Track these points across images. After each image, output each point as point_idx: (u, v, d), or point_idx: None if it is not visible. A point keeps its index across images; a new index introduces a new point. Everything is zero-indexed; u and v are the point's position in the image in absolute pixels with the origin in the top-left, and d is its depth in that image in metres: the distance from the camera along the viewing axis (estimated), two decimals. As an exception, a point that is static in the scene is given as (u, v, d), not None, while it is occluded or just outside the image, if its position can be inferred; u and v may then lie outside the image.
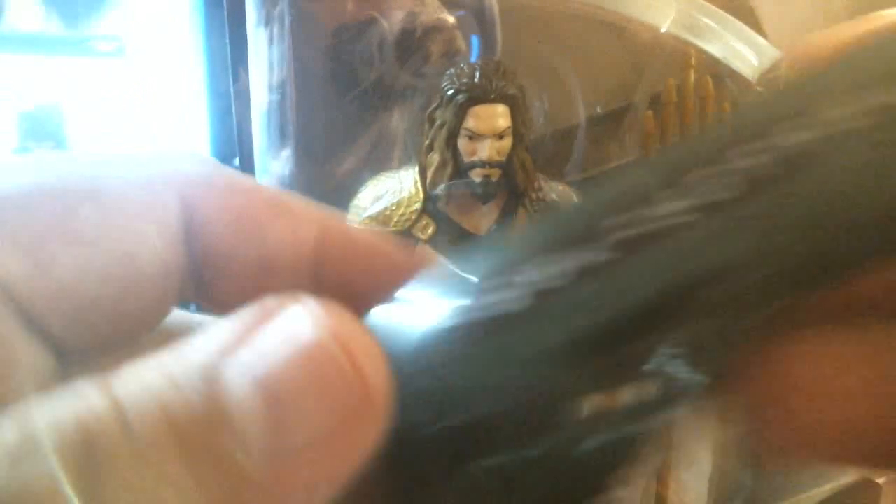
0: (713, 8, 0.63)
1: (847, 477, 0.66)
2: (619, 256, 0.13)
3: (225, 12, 0.57)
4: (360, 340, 0.12)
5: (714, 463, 0.64)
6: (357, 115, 0.62)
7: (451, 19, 0.62)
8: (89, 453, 0.11)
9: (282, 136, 0.59)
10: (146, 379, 0.11)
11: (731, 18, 0.63)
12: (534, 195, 0.56)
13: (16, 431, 0.11)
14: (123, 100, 0.57)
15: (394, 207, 0.57)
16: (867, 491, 0.64)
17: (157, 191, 0.15)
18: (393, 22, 0.61)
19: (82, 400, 0.11)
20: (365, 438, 0.12)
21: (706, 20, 0.63)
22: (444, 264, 0.15)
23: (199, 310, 0.17)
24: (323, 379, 0.12)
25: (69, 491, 0.10)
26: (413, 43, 0.61)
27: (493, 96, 0.52)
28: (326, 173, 0.61)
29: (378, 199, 0.58)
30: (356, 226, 0.17)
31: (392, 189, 0.57)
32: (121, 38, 0.57)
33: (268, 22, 0.57)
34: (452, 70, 0.54)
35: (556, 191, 0.57)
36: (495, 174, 0.53)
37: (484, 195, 0.53)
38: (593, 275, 0.13)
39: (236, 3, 0.57)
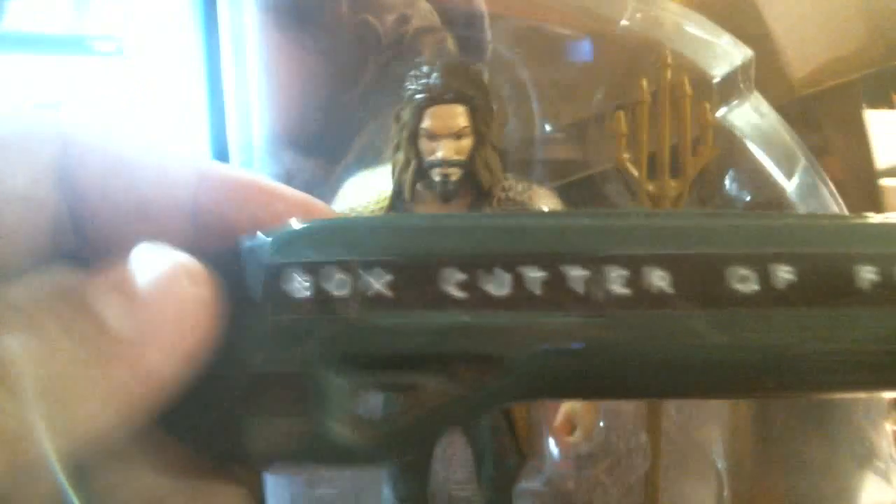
0: (688, 10, 0.65)
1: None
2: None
3: (224, 12, 0.57)
4: (199, 266, 0.16)
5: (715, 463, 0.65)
6: (352, 115, 0.62)
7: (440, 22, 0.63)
8: None
9: (279, 135, 0.60)
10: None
11: (704, 18, 0.65)
12: (502, 195, 0.55)
13: None
14: (123, 99, 0.57)
15: (366, 204, 0.56)
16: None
17: (33, 134, 0.17)
18: (385, 24, 0.62)
19: None
20: (200, 333, 0.15)
21: (680, 19, 0.65)
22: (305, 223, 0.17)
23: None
24: (176, 283, 0.15)
25: None
26: (404, 45, 0.62)
27: (449, 96, 0.51)
28: (324, 172, 0.62)
29: (356, 195, 0.57)
30: (236, 168, 0.18)
31: (368, 186, 0.57)
32: (120, 37, 0.57)
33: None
34: (413, 71, 0.53)
35: (530, 191, 0.56)
36: (455, 174, 0.52)
37: (443, 194, 0.53)
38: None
39: (235, 2, 0.57)
